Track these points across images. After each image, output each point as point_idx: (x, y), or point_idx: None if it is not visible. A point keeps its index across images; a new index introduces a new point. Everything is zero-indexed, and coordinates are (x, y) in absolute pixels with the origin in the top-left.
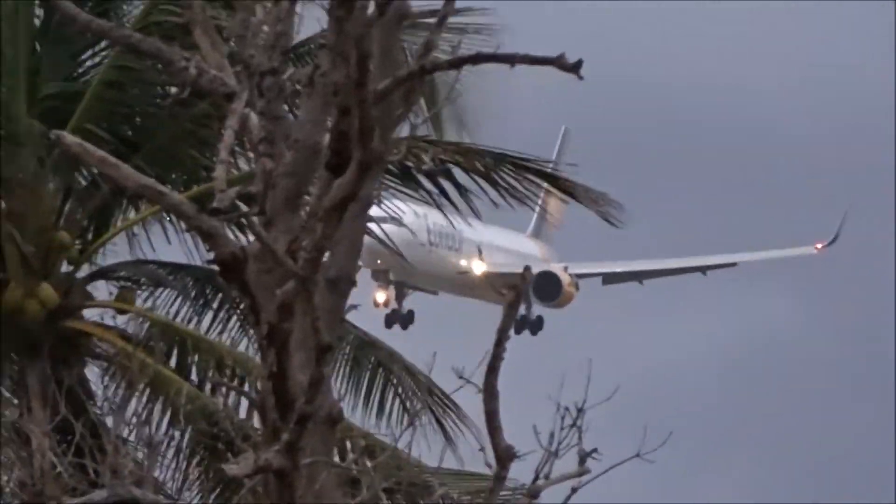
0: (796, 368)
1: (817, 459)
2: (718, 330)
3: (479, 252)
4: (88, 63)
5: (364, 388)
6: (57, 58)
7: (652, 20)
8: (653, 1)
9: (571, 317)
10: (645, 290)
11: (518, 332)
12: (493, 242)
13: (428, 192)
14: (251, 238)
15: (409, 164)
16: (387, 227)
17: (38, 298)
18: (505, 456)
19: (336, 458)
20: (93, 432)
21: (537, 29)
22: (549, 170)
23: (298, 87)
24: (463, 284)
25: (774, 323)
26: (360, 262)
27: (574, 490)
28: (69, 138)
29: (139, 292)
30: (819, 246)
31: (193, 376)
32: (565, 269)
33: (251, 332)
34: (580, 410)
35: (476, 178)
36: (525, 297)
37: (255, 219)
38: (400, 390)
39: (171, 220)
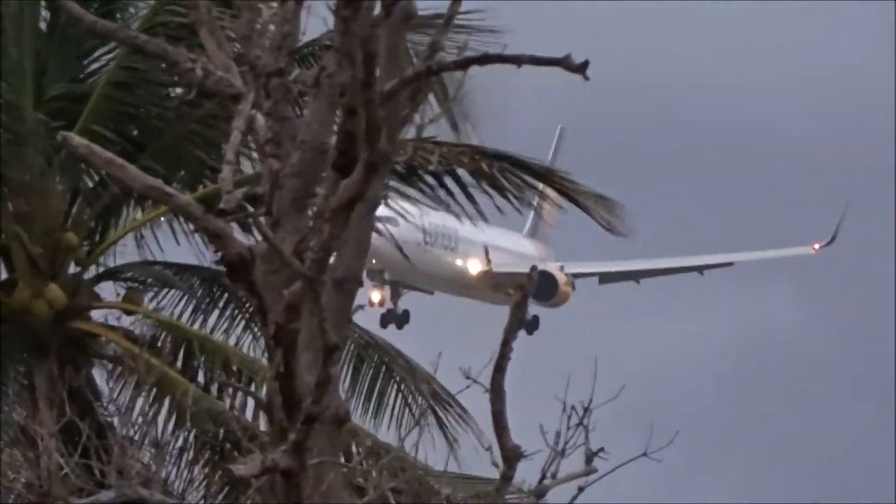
0: (794, 368)
1: (815, 459)
2: (716, 330)
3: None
4: (94, 64)
5: (366, 388)
6: (63, 59)
7: (652, 20)
8: (653, 1)
9: (568, 316)
10: (641, 290)
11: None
12: (489, 242)
13: (426, 191)
14: (258, 238)
15: (415, 164)
16: (380, 226)
17: (46, 299)
18: (512, 455)
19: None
20: (100, 433)
21: (537, 29)
22: (559, 177)
23: (305, 87)
24: (459, 284)
25: (772, 323)
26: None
27: (581, 489)
28: (76, 139)
29: (146, 293)
30: (817, 246)
31: (200, 377)
32: (561, 268)
33: (258, 332)
34: (586, 410)
35: (481, 181)
36: None
37: (262, 219)
38: (402, 387)
39: (179, 221)
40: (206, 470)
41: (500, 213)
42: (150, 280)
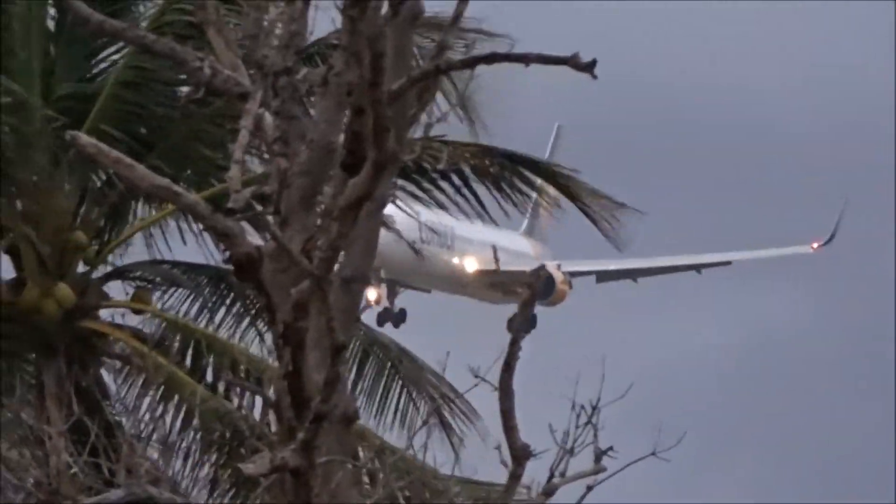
0: (797, 367)
1: (822, 458)
2: (715, 329)
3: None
4: (102, 64)
5: (369, 387)
6: (70, 58)
7: (655, 20)
8: (658, 1)
9: (565, 315)
10: (639, 289)
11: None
12: (485, 240)
13: (429, 190)
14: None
15: (424, 163)
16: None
17: (55, 298)
18: (521, 454)
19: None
20: (108, 432)
21: (540, 29)
22: (569, 180)
23: (313, 86)
24: (456, 282)
25: (772, 322)
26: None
27: (590, 488)
28: (84, 139)
29: (156, 292)
30: (815, 245)
31: (208, 377)
32: (558, 266)
33: (264, 331)
34: (595, 408)
35: (486, 180)
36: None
37: (270, 218)
38: (408, 386)
39: (187, 220)
40: (215, 469)
41: (505, 216)
42: (158, 279)
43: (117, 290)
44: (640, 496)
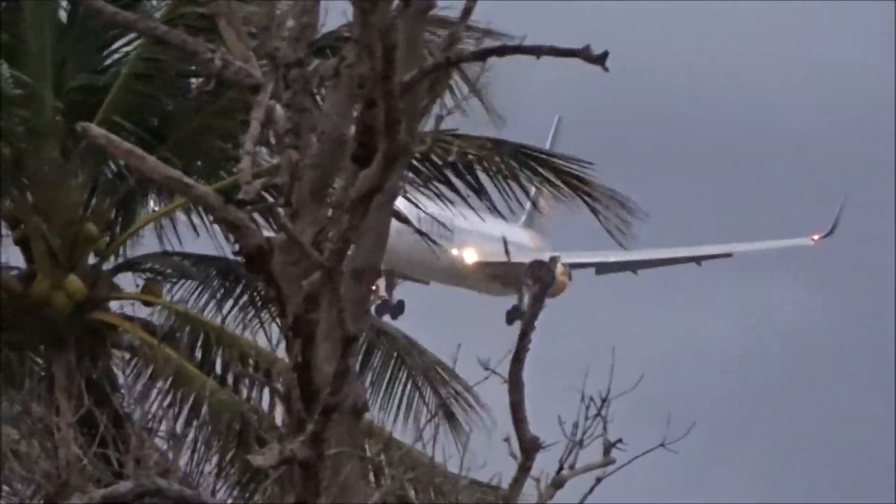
0: (800, 359)
1: (828, 449)
2: (718, 321)
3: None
4: (114, 55)
5: (375, 379)
6: (82, 50)
7: (657, 20)
8: (660, 1)
9: (566, 307)
10: (639, 281)
11: (510, 322)
12: (484, 232)
13: (431, 181)
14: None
15: (433, 157)
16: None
17: (65, 290)
18: (530, 447)
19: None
20: (117, 423)
21: (544, 28)
22: (579, 177)
23: (324, 79)
24: (455, 274)
25: (774, 313)
26: None
27: (599, 480)
28: (95, 130)
29: (165, 284)
30: (816, 237)
31: (217, 369)
32: (558, 258)
33: (268, 322)
34: (604, 401)
35: (494, 175)
36: (518, 287)
37: (280, 210)
38: (417, 379)
39: (198, 213)
40: (220, 460)
41: (510, 211)
42: (168, 271)
43: (128, 282)
44: (649, 488)
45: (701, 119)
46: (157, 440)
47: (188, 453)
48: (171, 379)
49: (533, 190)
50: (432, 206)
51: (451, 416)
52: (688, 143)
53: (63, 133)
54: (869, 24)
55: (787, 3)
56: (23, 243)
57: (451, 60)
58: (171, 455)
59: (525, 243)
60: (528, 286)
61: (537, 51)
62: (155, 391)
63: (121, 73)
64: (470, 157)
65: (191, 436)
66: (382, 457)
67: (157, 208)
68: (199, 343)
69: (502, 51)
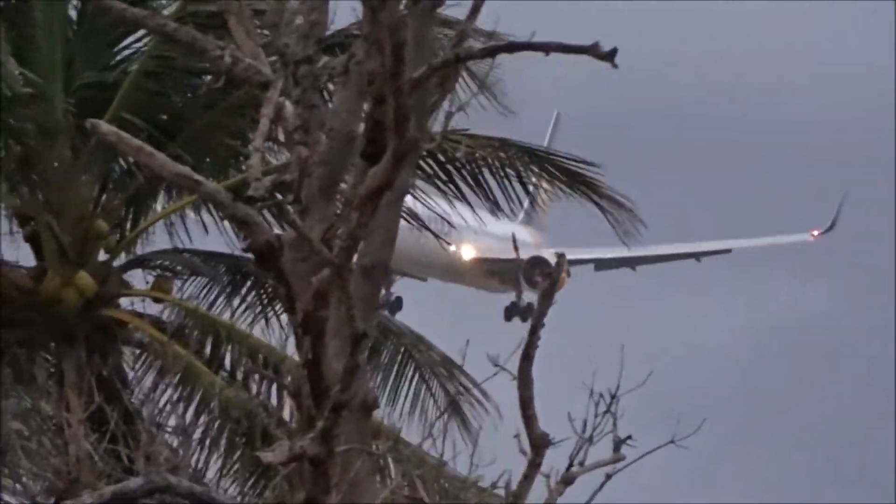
0: (805, 354)
1: (833, 445)
2: (718, 317)
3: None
4: (124, 52)
5: (382, 375)
6: (92, 47)
7: (659, 19)
8: (666, 1)
9: (564, 303)
10: (639, 277)
11: (508, 318)
12: (482, 228)
13: (434, 178)
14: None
15: (441, 156)
16: None
17: (76, 287)
18: (540, 443)
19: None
20: (127, 420)
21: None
22: (587, 177)
23: (333, 75)
24: (452, 271)
25: (776, 310)
26: None
27: (608, 476)
28: (105, 127)
29: (175, 281)
30: (816, 233)
31: (226, 366)
32: (556, 254)
33: (272, 318)
34: (613, 397)
35: (500, 174)
36: (516, 284)
37: (290, 207)
38: (426, 375)
39: (208, 210)
40: (234, 458)
41: (510, 207)
42: (178, 268)
43: (138, 279)
44: (658, 485)
45: (701, 116)
46: (166, 436)
47: (198, 450)
48: (179, 375)
49: (539, 187)
50: (432, 203)
51: (459, 412)
52: (688, 141)
53: (73, 130)
54: (869, 22)
55: (787, 3)
56: (33, 240)
57: (460, 57)
58: (181, 451)
59: (525, 240)
60: (537, 282)
61: (546, 47)
62: (163, 387)
63: (130, 70)
64: (478, 155)
65: (200, 433)
66: (390, 460)
67: (167, 205)
68: (209, 340)
69: (512, 47)
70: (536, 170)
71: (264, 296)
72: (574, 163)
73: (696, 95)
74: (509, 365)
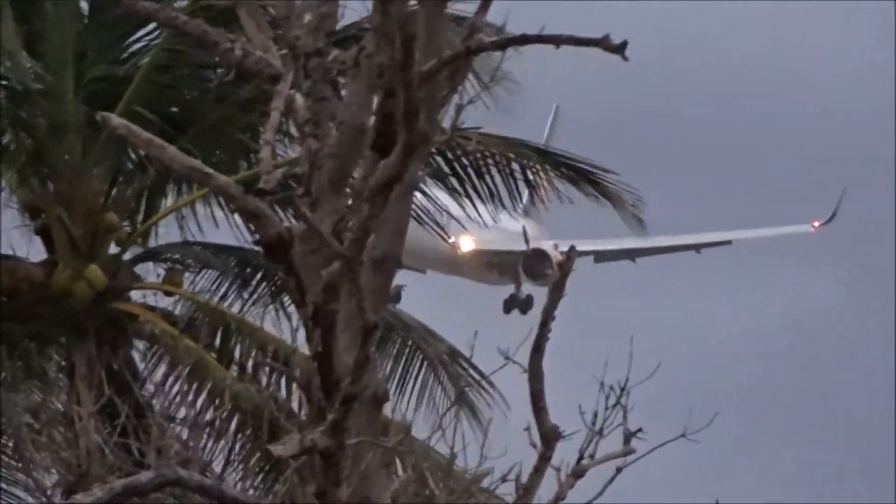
0: (812, 347)
1: (835, 442)
2: (722, 310)
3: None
4: (136, 45)
5: (389, 367)
6: (103, 41)
7: (660, 19)
8: (671, 1)
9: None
10: (634, 268)
11: (507, 311)
12: (482, 220)
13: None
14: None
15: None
16: None
17: (86, 280)
18: (550, 436)
19: None
20: (138, 413)
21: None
22: (596, 176)
23: (344, 68)
24: (451, 263)
25: (779, 301)
26: None
27: (619, 470)
28: (115, 120)
29: (186, 274)
30: (816, 224)
31: (236, 359)
32: (555, 246)
33: (280, 311)
34: (623, 390)
35: (507, 174)
36: (515, 276)
37: (300, 200)
38: (425, 363)
39: (219, 203)
40: (244, 451)
41: (511, 201)
42: (189, 261)
43: (149, 272)
44: (669, 479)
45: (700, 115)
46: (177, 430)
47: (208, 444)
48: (190, 368)
49: (533, 180)
50: (432, 195)
51: (469, 404)
52: (688, 134)
53: (84, 124)
54: (870, 22)
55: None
56: (44, 233)
57: (470, 50)
58: (191, 445)
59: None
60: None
61: (557, 40)
62: (173, 379)
63: (142, 64)
64: (487, 153)
65: (210, 426)
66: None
67: (178, 199)
68: (220, 333)
69: (523, 40)
70: (544, 169)
71: (274, 289)
72: (585, 165)
73: (696, 94)
74: (515, 358)
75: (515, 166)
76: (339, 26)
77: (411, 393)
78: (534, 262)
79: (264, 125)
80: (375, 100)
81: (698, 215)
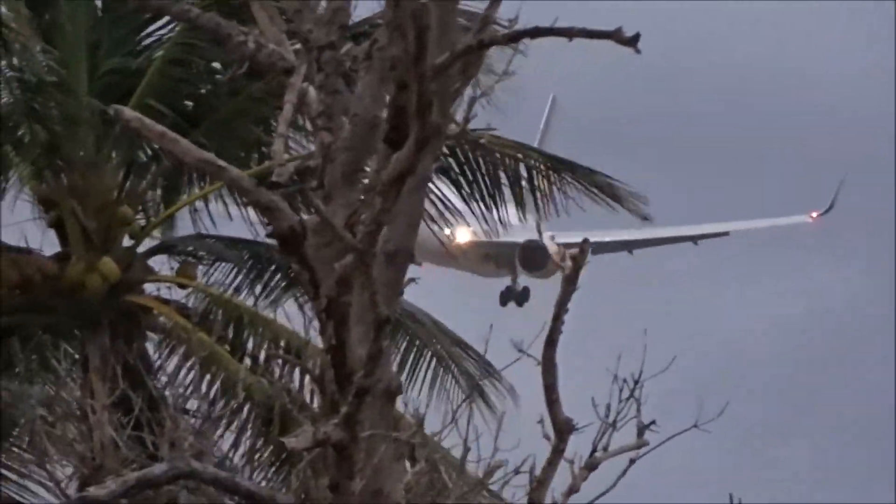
0: (821, 341)
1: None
2: (720, 302)
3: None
4: (149, 39)
5: (399, 360)
6: (117, 34)
7: (662, 18)
8: (676, 1)
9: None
10: (629, 260)
11: (504, 303)
12: (481, 212)
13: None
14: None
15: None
16: None
17: (100, 273)
18: (564, 428)
19: None
20: (152, 406)
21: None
22: (610, 181)
23: (357, 61)
24: (448, 254)
25: (781, 294)
26: None
27: (632, 462)
28: (128, 113)
29: (200, 267)
30: (815, 214)
31: (249, 351)
32: (552, 238)
33: (295, 304)
34: (636, 382)
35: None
36: (511, 268)
37: (313, 193)
38: (446, 360)
39: (233, 196)
40: (258, 444)
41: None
42: (202, 254)
43: (162, 264)
44: (683, 471)
45: (708, 109)
46: (190, 422)
47: (222, 436)
48: (203, 361)
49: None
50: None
51: (483, 396)
52: (695, 132)
53: (98, 117)
54: (870, 21)
55: (794, 2)
56: (58, 226)
57: (483, 43)
58: (205, 437)
59: (520, 223)
60: (560, 268)
61: (570, 32)
62: (185, 371)
63: (155, 57)
64: (497, 155)
65: (224, 419)
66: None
67: (192, 192)
68: (233, 326)
69: (535, 32)
70: (555, 175)
71: (285, 284)
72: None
73: (703, 92)
74: (527, 351)
75: (521, 167)
76: (351, 21)
77: (422, 385)
78: (530, 254)
79: (277, 119)
80: (388, 93)
81: (701, 209)
